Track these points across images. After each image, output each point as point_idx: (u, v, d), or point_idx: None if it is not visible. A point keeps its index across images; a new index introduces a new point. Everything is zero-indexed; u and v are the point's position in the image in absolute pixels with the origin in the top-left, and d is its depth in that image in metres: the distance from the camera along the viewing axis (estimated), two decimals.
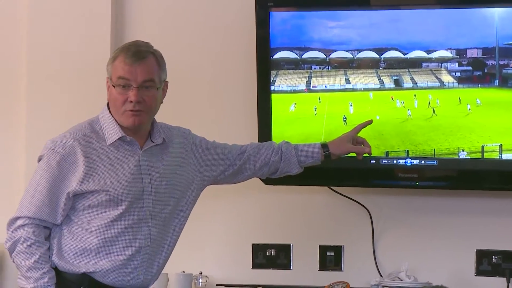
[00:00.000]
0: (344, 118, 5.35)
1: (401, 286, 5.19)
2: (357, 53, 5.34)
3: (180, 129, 4.54)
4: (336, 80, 5.43)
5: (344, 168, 5.21)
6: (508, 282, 5.25)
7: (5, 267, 5.97)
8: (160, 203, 4.27)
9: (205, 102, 5.74)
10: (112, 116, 4.23)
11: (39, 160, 4.22)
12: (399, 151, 5.30)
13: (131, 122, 4.12)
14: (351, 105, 5.39)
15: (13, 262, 4.20)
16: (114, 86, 4.16)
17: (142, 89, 4.14)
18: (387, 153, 5.25)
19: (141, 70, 4.15)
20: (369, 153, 4.70)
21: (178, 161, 4.46)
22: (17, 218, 4.08)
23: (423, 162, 5.24)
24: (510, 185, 5.21)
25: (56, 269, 4.08)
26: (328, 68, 5.43)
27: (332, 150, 4.60)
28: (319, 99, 5.44)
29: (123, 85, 4.10)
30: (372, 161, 5.17)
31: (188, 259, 5.47)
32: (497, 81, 5.06)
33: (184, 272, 5.42)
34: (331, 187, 5.44)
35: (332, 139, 4.71)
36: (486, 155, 5.13)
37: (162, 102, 4.34)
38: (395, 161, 5.29)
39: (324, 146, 4.63)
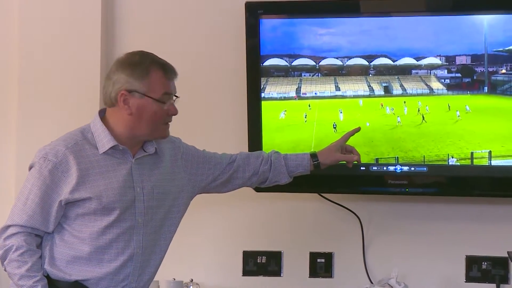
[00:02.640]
0: (334, 125, 5.33)
1: None
2: (347, 60, 5.35)
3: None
4: (326, 87, 5.44)
5: (334, 175, 5.14)
6: (497, 286, 5.28)
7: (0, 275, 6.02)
8: (152, 211, 4.29)
9: (195, 110, 5.62)
10: (104, 125, 4.25)
11: (30, 168, 4.21)
12: (388, 157, 5.30)
13: (167, 134, 4.34)
14: (341, 112, 5.38)
15: (5, 270, 4.19)
16: (157, 101, 4.20)
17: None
18: (377, 159, 5.26)
19: (174, 85, 4.36)
20: (358, 161, 4.74)
21: (169, 169, 4.48)
22: (8, 226, 4.09)
23: (412, 168, 5.24)
24: (500, 191, 5.23)
25: (48, 277, 4.10)
26: (318, 75, 5.42)
27: (321, 160, 4.66)
28: (309, 106, 5.44)
29: (167, 100, 4.24)
30: (362, 168, 5.17)
31: (178, 266, 5.46)
32: (486, 88, 5.09)
33: (174, 279, 5.41)
34: (321, 194, 5.41)
35: (322, 146, 4.81)
36: (476, 162, 5.14)
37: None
38: (385, 168, 5.28)
39: (313, 155, 4.67)
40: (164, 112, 4.27)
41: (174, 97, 4.33)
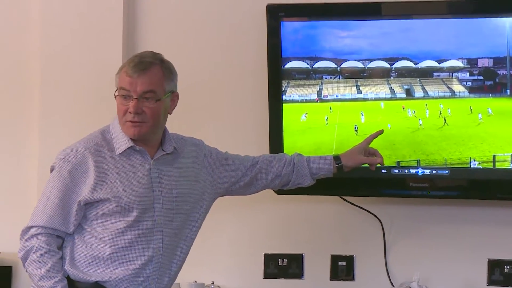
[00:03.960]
0: (355, 128, 5.32)
1: None
2: (368, 63, 5.31)
3: (192, 139, 4.55)
4: (347, 90, 5.41)
5: (355, 177, 5.11)
6: None
7: (18, 276, 5.87)
8: (171, 212, 4.30)
9: (217, 112, 5.71)
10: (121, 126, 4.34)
11: (52, 170, 4.23)
12: (410, 160, 5.27)
13: (131, 133, 4.20)
14: (362, 115, 5.36)
15: (26, 271, 4.22)
16: (116, 96, 4.24)
17: (142, 100, 4.19)
18: (398, 162, 5.22)
19: (141, 82, 4.19)
20: (382, 164, 4.73)
21: (190, 171, 4.46)
22: (30, 228, 4.11)
23: (434, 171, 5.23)
24: None
25: (68, 278, 4.10)
26: (339, 78, 5.40)
27: (344, 162, 4.64)
28: (330, 108, 5.43)
29: (124, 95, 4.17)
30: (383, 171, 5.17)
31: (200, 268, 5.44)
32: (508, 91, 5.03)
33: (196, 282, 5.42)
34: (343, 196, 5.40)
35: (343, 149, 4.81)
36: (498, 165, 5.09)
37: (170, 113, 4.39)
38: (406, 171, 5.27)
39: (337, 158, 4.67)
40: (123, 109, 4.28)
41: (132, 96, 4.23)
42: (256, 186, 4.69)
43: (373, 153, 4.69)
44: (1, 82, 6.25)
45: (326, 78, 5.41)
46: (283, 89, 5.39)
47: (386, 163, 4.89)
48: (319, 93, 5.42)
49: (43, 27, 6.22)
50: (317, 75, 5.41)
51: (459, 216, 5.51)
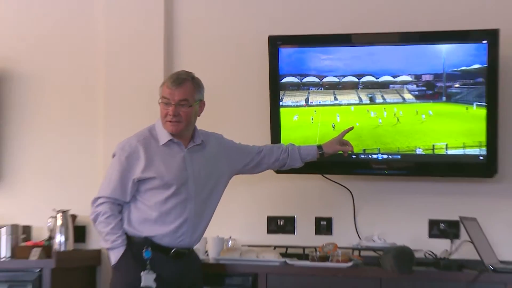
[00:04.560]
0: (333, 125, 5.50)
1: (374, 246, 5.35)
2: (342, 78, 5.49)
3: (215, 134, 4.89)
4: (327, 98, 5.56)
5: (333, 161, 5.34)
6: (451, 241, 5.35)
7: (90, 233, 6.01)
8: (200, 187, 4.66)
9: (233, 114, 5.84)
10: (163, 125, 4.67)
11: (113, 156, 4.65)
12: (372, 149, 5.45)
13: (170, 129, 4.57)
14: (338, 116, 5.51)
15: (96, 229, 4.75)
16: (159, 103, 4.62)
17: (179, 106, 4.55)
18: (364, 150, 5.42)
19: (178, 93, 4.56)
20: (352, 151, 5.08)
21: (213, 157, 4.79)
22: (98, 198, 4.55)
23: (390, 156, 5.42)
24: (453, 172, 5.41)
25: (126, 234, 4.54)
26: (321, 89, 5.56)
27: (325, 150, 4.98)
28: (315, 111, 5.57)
29: (165, 102, 4.55)
30: (353, 156, 5.35)
31: (220, 227, 5.50)
32: (444, 98, 5.24)
33: (218, 236, 5.53)
34: (324, 175, 5.58)
35: (324, 140, 5.14)
36: (436, 151, 5.33)
37: (199, 115, 4.71)
38: (369, 156, 5.46)
39: (319, 147, 4.99)
40: (164, 112, 4.60)
41: (171, 103, 4.58)
42: (261, 168, 5.04)
43: (346, 143, 5.00)
44: (75, 90, 6.25)
45: (311, 89, 5.56)
46: (280, 97, 5.58)
47: (355, 150, 5.22)
48: (307, 100, 5.57)
49: (107, 44, 6.15)
50: (305, 87, 5.58)
51: (408, 188, 5.67)
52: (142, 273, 4.43)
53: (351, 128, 5.15)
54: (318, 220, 5.73)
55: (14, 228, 5.65)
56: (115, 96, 6.06)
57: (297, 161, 5.02)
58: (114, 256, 4.55)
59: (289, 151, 5.01)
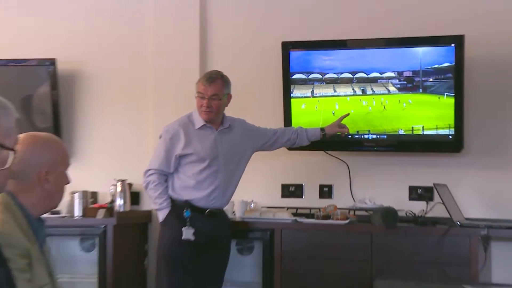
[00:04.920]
0: (333, 112, 5.70)
1: (366, 207, 5.53)
2: (340, 74, 5.68)
3: (240, 119, 5.22)
4: (328, 90, 5.74)
5: (333, 140, 5.59)
6: (427, 203, 5.59)
7: (142, 197, 6.23)
8: (228, 162, 5.03)
9: (254, 104, 5.98)
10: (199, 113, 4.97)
11: (160, 137, 5.04)
12: (364, 130, 5.66)
13: (204, 117, 4.92)
14: (337, 104, 5.72)
15: (147, 194, 5.20)
16: (196, 97, 4.95)
17: (211, 99, 4.89)
18: (357, 131, 5.64)
19: (210, 89, 4.89)
20: (347, 132, 5.39)
21: (239, 138, 5.14)
22: (148, 170, 4.96)
23: (378, 136, 5.64)
24: (428, 149, 5.64)
25: (171, 198, 4.96)
26: (323, 83, 5.74)
27: (327, 132, 5.29)
28: (318, 101, 5.76)
29: (200, 96, 4.91)
30: (349, 136, 5.54)
31: (245, 192, 5.69)
32: (420, 90, 5.46)
33: (243, 200, 5.74)
34: (326, 151, 5.81)
35: (326, 124, 5.47)
36: (415, 132, 5.55)
37: (227, 105, 5.05)
38: (362, 136, 5.67)
39: (322, 129, 5.30)
40: (199, 104, 4.94)
41: (205, 97, 4.92)
42: (276, 146, 5.34)
43: (343, 126, 5.32)
44: (131, 86, 6.47)
45: (315, 83, 5.75)
46: (291, 90, 5.77)
47: (350, 131, 5.50)
48: (312, 92, 5.76)
49: (155, 54, 6.34)
50: (310, 82, 5.77)
51: (392, 161, 5.88)
52: (183, 229, 4.81)
53: (347, 115, 5.44)
54: (321, 187, 5.97)
55: (84, 194, 5.88)
56: (161, 91, 6.28)
57: (304, 140, 5.32)
58: (161, 215, 4.94)
59: (298, 133, 5.31)
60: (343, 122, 5.41)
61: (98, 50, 6.52)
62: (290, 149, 5.54)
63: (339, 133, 5.37)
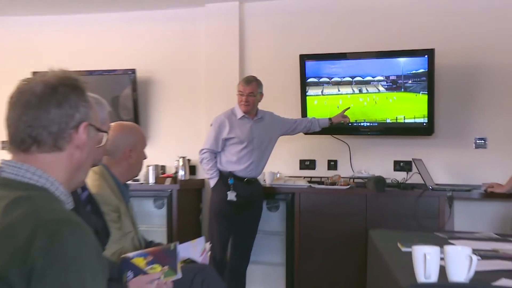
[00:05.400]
0: (337, 106, 5.77)
1: (362, 176, 5.64)
2: (342, 78, 5.75)
3: (269, 112, 5.29)
4: (334, 90, 5.82)
5: (338, 127, 5.68)
6: (407, 173, 5.69)
7: (198, 170, 6.33)
8: (260, 143, 5.13)
9: (279, 101, 5.97)
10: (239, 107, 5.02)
11: (211, 125, 5.17)
12: (361, 120, 5.76)
13: (243, 110, 5.01)
14: (340, 101, 5.79)
15: (201, 167, 5.35)
16: (237, 95, 5.03)
17: (248, 96, 5.00)
18: (356, 120, 5.71)
19: (248, 88, 5.00)
20: (349, 121, 5.50)
21: (268, 125, 5.21)
22: (202, 149, 5.09)
23: (371, 124, 5.74)
24: (408, 133, 5.71)
25: (219, 170, 5.10)
26: (330, 85, 5.80)
27: (333, 121, 5.41)
28: (327, 98, 5.84)
29: (240, 94, 5.00)
30: (349, 124, 5.63)
31: (272, 166, 5.78)
32: (402, 89, 5.53)
33: (271, 171, 5.80)
34: (333, 135, 5.90)
35: (332, 115, 5.55)
36: (398, 120, 5.62)
37: (259, 101, 5.13)
38: (359, 124, 5.76)
39: (330, 119, 5.41)
40: (239, 100, 5.03)
41: (244, 94, 5.02)
42: (296, 132, 5.43)
43: (345, 117, 5.42)
44: (187, 88, 6.61)
45: (324, 85, 5.83)
46: (306, 90, 5.85)
47: (351, 120, 5.61)
48: (322, 92, 5.85)
49: (206, 63, 6.46)
50: (320, 84, 5.84)
51: (381, 142, 5.95)
52: (228, 192, 5.03)
53: (348, 108, 5.52)
54: (329, 161, 6.08)
55: (156, 167, 6.01)
56: (210, 92, 6.39)
57: (316, 127, 5.42)
58: (212, 182, 5.10)
59: (312, 122, 5.41)
60: (345, 113, 5.54)
61: (165, 63, 6.65)
62: (306, 133, 5.63)
63: (342, 122, 5.45)
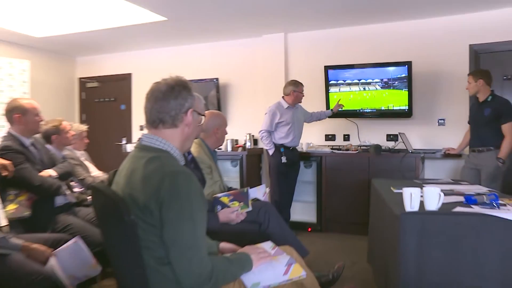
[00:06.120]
0: (349, 99, 5.73)
1: (366, 144, 5.71)
2: (352, 80, 5.72)
3: (300, 105, 5.34)
4: (347, 88, 5.76)
5: (349, 112, 5.71)
6: (395, 142, 5.73)
7: (259, 142, 6.26)
8: (298, 124, 5.25)
9: (310, 97, 5.76)
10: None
11: (265, 114, 5.25)
12: (365, 107, 5.71)
13: (297, 102, 5.11)
14: (351, 95, 5.76)
15: (261, 142, 5.35)
16: (296, 92, 5.03)
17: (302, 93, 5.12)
18: (361, 108, 5.70)
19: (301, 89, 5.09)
20: (343, 107, 5.45)
21: (300, 113, 5.33)
22: (261, 130, 5.15)
23: (371, 110, 5.70)
24: (396, 116, 5.61)
25: (273, 143, 5.15)
26: (344, 85, 5.75)
27: (334, 110, 5.46)
28: (342, 94, 5.76)
29: (300, 92, 5.05)
30: (357, 110, 5.69)
31: (306, 138, 5.87)
32: (391, 87, 5.50)
33: (306, 142, 5.82)
34: (347, 118, 5.90)
35: (347, 107, 5.54)
36: (389, 108, 5.58)
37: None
38: (364, 110, 5.73)
39: (331, 109, 5.44)
40: (297, 96, 5.08)
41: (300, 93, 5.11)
42: (311, 121, 5.49)
43: (340, 105, 5.42)
44: (253, 90, 6.51)
45: (341, 85, 5.79)
46: (329, 89, 5.85)
47: (357, 108, 5.59)
48: (339, 90, 5.80)
49: (263, 74, 6.35)
50: (338, 85, 5.78)
51: (378, 122, 5.88)
52: (281, 157, 5.14)
53: (339, 99, 5.53)
54: (344, 135, 6.15)
55: (232, 140, 6.12)
56: (265, 91, 6.35)
57: (324, 117, 5.54)
58: (271, 152, 5.19)
59: (320, 114, 5.52)
60: (351, 104, 5.57)
61: (237, 73, 6.73)
62: (330, 117, 5.70)
63: (339, 108, 5.53)
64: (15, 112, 3.27)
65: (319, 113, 5.57)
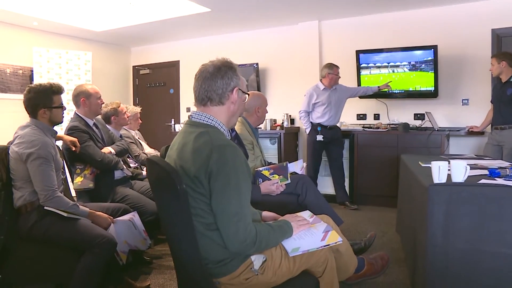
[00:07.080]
0: (379, 80, 5.64)
1: (395, 123, 5.56)
2: (382, 63, 5.65)
3: (339, 84, 5.21)
4: (377, 71, 5.67)
5: (380, 93, 5.59)
6: (422, 120, 5.55)
7: (296, 122, 6.32)
8: (336, 104, 5.16)
9: (345, 79, 5.55)
10: (321, 83, 5.08)
11: (304, 95, 5.14)
12: (395, 88, 5.59)
13: (333, 84, 5.01)
14: (381, 77, 5.67)
15: (300, 120, 5.36)
16: (332, 74, 4.92)
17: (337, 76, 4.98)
18: (390, 89, 5.53)
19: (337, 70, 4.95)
20: (390, 89, 5.46)
21: (339, 93, 5.24)
22: (301, 110, 5.15)
23: (399, 91, 5.62)
24: (423, 96, 5.51)
25: (310, 122, 5.12)
26: (375, 68, 5.67)
27: (380, 88, 5.40)
28: (373, 76, 5.68)
29: (336, 74, 4.94)
30: (388, 91, 5.54)
31: (344, 117, 5.77)
32: (419, 70, 5.39)
33: (342, 121, 5.64)
34: (377, 99, 5.82)
35: (378, 85, 5.50)
36: (417, 89, 5.50)
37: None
38: (393, 91, 5.63)
39: (378, 87, 5.38)
40: (332, 78, 4.97)
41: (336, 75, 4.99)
42: (357, 95, 5.42)
43: (388, 86, 5.39)
44: (294, 74, 6.37)
45: (371, 68, 5.72)
46: (360, 72, 5.79)
47: (388, 89, 5.50)
48: (369, 72, 5.74)
49: (300, 58, 6.23)
50: (369, 67, 5.72)
51: (406, 102, 5.77)
52: (317, 135, 5.13)
53: (390, 81, 5.51)
54: (374, 114, 6.06)
55: (271, 119, 6.10)
56: (302, 75, 6.27)
57: (370, 92, 5.46)
58: (307, 130, 5.21)
59: (367, 88, 5.47)
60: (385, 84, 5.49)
61: (276, 59, 6.72)
62: (360, 97, 5.73)
63: (386, 89, 5.49)
64: (81, 96, 3.39)
65: (366, 88, 5.50)
